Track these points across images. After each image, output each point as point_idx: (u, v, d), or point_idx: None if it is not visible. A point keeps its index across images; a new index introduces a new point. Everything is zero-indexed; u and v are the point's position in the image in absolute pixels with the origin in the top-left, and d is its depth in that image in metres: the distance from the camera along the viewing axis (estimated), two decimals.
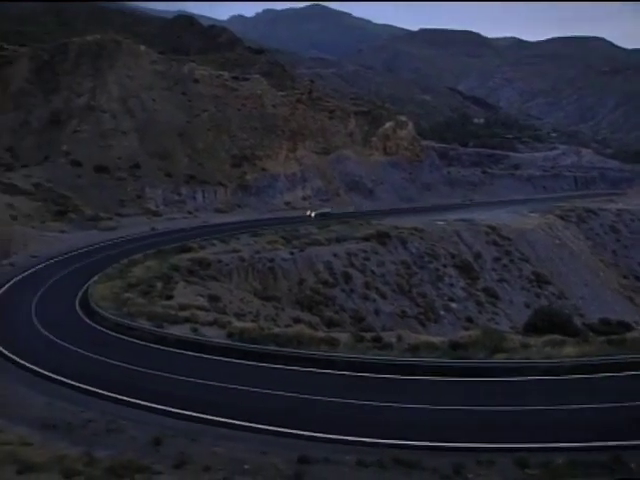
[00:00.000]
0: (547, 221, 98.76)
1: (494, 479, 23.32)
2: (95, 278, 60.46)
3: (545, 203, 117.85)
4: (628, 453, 24.67)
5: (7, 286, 60.77)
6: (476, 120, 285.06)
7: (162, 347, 40.27)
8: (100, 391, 32.96)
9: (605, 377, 33.47)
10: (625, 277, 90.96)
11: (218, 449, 26.27)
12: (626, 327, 46.83)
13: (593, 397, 30.62)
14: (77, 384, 34.14)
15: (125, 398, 31.84)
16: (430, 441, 26.65)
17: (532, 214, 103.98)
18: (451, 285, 75.03)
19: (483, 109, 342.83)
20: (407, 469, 24.41)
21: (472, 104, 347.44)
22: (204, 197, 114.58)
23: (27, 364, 37.95)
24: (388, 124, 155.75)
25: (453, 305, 71.41)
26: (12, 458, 22.12)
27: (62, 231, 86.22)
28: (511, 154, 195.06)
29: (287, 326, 46.19)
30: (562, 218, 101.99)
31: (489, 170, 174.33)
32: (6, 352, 40.45)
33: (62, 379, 35.00)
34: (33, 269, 68.11)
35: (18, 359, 38.99)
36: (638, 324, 52.96)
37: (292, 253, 68.90)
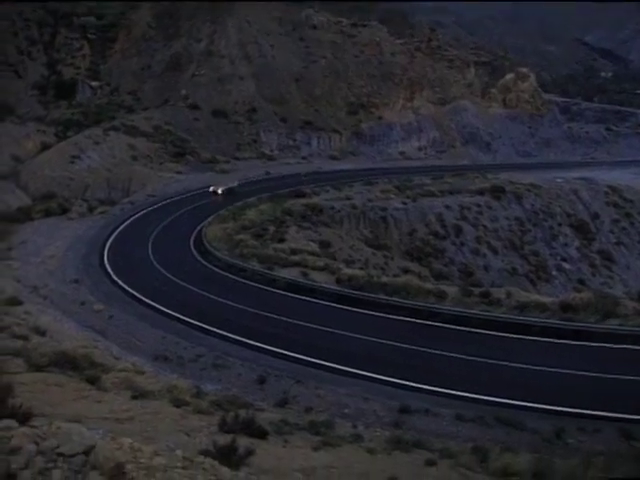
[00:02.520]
0: None
1: (596, 447, 22.79)
2: (209, 219, 61.89)
3: None
4: None
5: (126, 223, 63.24)
6: (603, 74, 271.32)
7: (272, 289, 41.04)
8: (210, 328, 34.09)
9: None
10: None
11: (321, 392, 26.77)
12: None
13: None
14: (190, 320, 35.44)
15: (234, 336, 32.80)
16: (533, 402, 26.29)
17: None
18: (565, 245, 72.80)
19: (611, 62, 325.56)
20: (507, 428, 24.18)
21: (599, 56, 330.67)
22: (318, 143, 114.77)
23: (145, 299, 39.61)
24: (509, 76, 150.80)
25: (566, 265, 69.34)
26: (127, 384, 23.21)
27: (179, 172, 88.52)
28: (639, 111, 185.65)
29: (395, 276, 46.08)
30: None
31: (614, 128, 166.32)
32: (126, 287, 42.35)
33: (176, 315, 36.40)
34: (151, 208, 70.52)
35: (137, 294, 40.76)
36: None
37: (404, 203, 68.27)
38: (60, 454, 5.98)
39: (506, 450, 20.44)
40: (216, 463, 6.72)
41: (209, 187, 76.62)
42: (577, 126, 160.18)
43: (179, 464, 6.31)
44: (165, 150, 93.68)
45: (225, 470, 6.55)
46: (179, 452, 6.71)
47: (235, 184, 73.93)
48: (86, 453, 6.06)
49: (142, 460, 6.15)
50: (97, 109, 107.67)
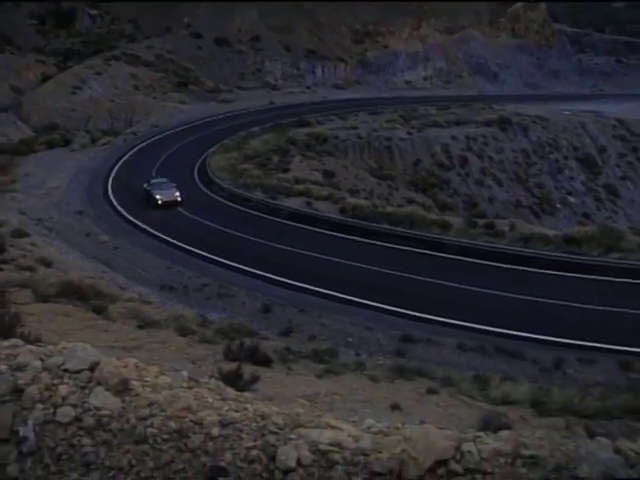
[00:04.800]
0: None
1: (593, 377, 23.06)
2: (213, 149, 61.56)
3: None
4: None
5: (130, 154, 62.88)
6: (615, 4, 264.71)
7: (275, 218, 41.03)
8: (215, 257, 34.22)
9: None
10: None
11: (325, 320, 27.00)
12: None
13: None
14: (194, 250, 35.54)
15: (238, 266, 32.93)
16: (534, 333, 26.51)
17: None
18: (571, 178, 72.24)
19: None
20: (508, 357, 24.46)
21: None
22: (323, 72, 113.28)
23: (150, 229, 39.67)
24: (518, 4, 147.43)
25: (571, 199, 68.92)
26: (134, 314, 23.41)
27: (182, 102, 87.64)
28: None
29: (400, 206, 46.01)
30: None
31: (624, 60, 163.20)
32: (131, 218, 42.37)
33: (181, 245, 36.48)
34: (154, 138, 69.96)
35: (141, 224, 40.81)
36: None
37: (410, 133, 67.48)
38: (66, 370, 5.99)
39: (506, 379, 20.67)
40: (221, 383, 6.72)
41: (211, 116, 76.34)
42: (587, 58, 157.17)
43: (184, 384, 6.32)
44: (168, 80, 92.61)
45: (230, 390, 6.56)
46: (185, 373, 6.71)
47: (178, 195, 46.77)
48: (91, 369, 6.08)
49: (147, 378, 6.17)
50: (97, 38, 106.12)
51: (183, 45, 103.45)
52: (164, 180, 47.30)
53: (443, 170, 63.74)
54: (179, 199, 44.93)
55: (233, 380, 14.09)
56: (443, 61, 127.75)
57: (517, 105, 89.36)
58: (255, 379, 15.67)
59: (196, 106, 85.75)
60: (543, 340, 25.98)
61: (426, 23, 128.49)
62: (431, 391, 18.82)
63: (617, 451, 5.61)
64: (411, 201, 51.57)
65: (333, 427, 5.91)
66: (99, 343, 16.53)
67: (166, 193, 44.89)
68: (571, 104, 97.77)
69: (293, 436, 5.75)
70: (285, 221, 40.37)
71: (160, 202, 44.33)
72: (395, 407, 16.32)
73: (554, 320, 27.66)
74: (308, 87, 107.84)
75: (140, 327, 21.82)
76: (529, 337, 26.22)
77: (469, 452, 5.68)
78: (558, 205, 66.91)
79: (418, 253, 35.25)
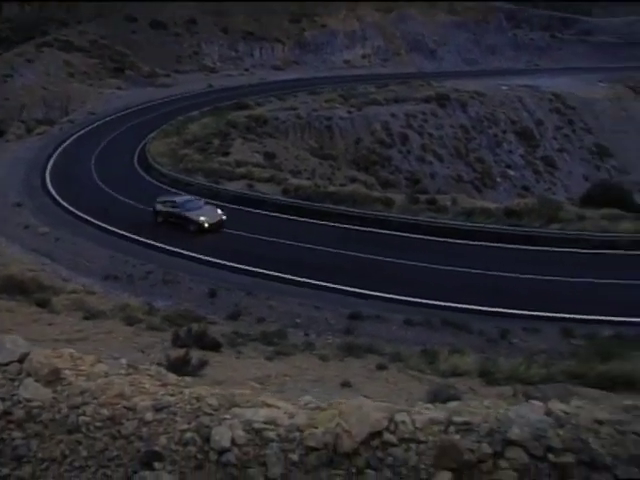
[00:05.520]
0: (616, 91, 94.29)
1: (538, 346, 23.55)
2: (152, 135, 60.72)
3: (616, 72, 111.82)
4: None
5: (67, 143, 61.64)
6: None
7: (218, 202, 40.67)
8: (159, 245, 33.80)
9: None
10: None
11: (272, 302, 26.92)
12: None
13: None
14: (138, 238, 35.02)
15: (183, 252, 32.62)
16: (479, 305, 26.89)
17: (601, 83, 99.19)
18: (509, 152, 73.35)
19: None
20: (455, 330, 24.78)
21: None
22: (261, 54, 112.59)
23: (91, 219, 38.93)
24: None
25: (510, 172, 69.96)
26: (78, 305, 23.06)
27: (119, 88, 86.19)
28: (584, 18, 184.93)
29: (342, 185, 46.07)
30: (633, 89, 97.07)
31: (559, 35, 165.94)
32: (71, 208, 41.52)
33: (124, 233, 35.90)
34: (91, 126, 68.68)
35: (82, 214, 40.02)
36: None
37: (349, 112, 67.52)
38: None
39: (454, 352, 20.92)
40: (162, 369, 6.61)
41: (149, 102, 75.20)
42: (522, 33, 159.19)
43: (122, 371, 6.17)
44: (103, 66, 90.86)
45: (171, 376, 6.44)
46: (124, 360, 6.55)
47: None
48: (20, 361, 5.91)
49: (82, 367, 6.02)
50: (27, 24, 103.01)
51: (117, 30, 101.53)
52: (189, 198, 38.38)
53: (384, 148, 63.99)
54: (224, 217, 36.58)
55: (181, 366, 13.99)
56: (381, 39, 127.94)
57: (455, 81, 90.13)
58: (203, 364, 15.59)
59: (133, 92, 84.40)
60: (488, 312, 26.38)
61: (363, 2, 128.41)
62: (381, 367, 18.97)
63: (548, 413, 5.73)
64: (353, 180, 51.65)
65: (269, 405, 5.89)
66: (44, 337, 16.23)
67: (209, 214, 36.49)
68: (508, 79, 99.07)
69: (227, 416, 5.71)
70: (228, 205, 40.02)
71: (207, 225, 35.73)
72: (345, 384, 16.40)
73: (499, 291, 28.11)
74: (246, 69, 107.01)
75: (85, 318, 21.55)
76: (474, 309, 26.58)
77: (402, 422, 5.76)
78: (498, 179, 67.88)
79: (362, 231, 35.37)
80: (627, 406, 5.93)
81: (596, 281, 29.34)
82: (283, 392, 13.02)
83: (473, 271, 30.14)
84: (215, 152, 52.30)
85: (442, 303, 26.99)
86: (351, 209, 37.31)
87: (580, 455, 5.41)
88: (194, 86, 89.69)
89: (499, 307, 26.81)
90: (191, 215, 36.19)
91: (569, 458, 5.43)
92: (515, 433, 5.62)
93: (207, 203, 38.23)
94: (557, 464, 5.47)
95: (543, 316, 26.06)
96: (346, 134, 63.94)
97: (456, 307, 26.76)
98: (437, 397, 12.42)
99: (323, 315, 25.95)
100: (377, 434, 5.75)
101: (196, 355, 16.11)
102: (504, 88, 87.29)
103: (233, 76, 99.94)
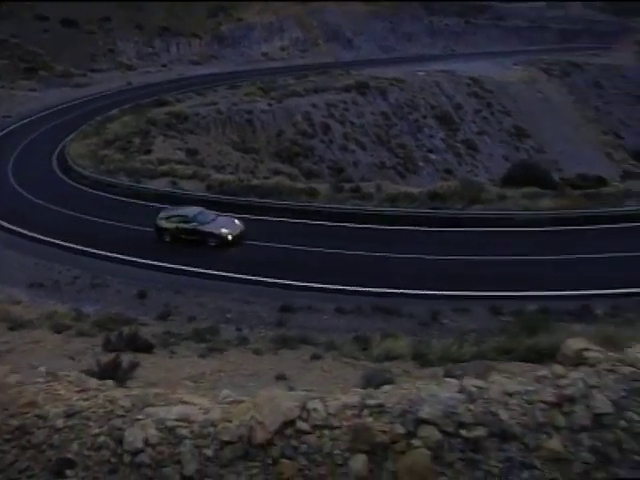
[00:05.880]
0: (530, 74, 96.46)
1: (468, 325, 24.10)
2: (71, 136, 59.49)
3: (529, 55, 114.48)
4: (595, 301, 25.51)
5: None
6: None
7: (141, 202, 40.15)
8: (84, 248, 33.17)
9: (582, 230, 34.14)
10: (605, 133, 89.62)
11: (202, 300, 26.80)
12: (603, 182, 47.05)
13: (568, 249, 31.29)
14: (62, 243, 34.26)
15: (110, 254, 32.10)
16: (408, 289, 27.31)
17: (515, 66, 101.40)
18: (430, 136, 74.26)
19: None
20: (386, 315, 25.14)
21: None
22: (178, 49, 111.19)
23: (10, 226, 37.87)
24: None
25: (432, 156, 70.84)
26: (3, 315, 22.47)
27: (33, 89, 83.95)
28: (496, 3, 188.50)
29: (266, 178, 45.97)
30: (546, 71, 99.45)
31: (473, 20, 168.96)
32: None
33: (47, 239, 35.04)
34: (6, 129, 66.79)
35: (2, 222, 38.87)
36: (615, 179, 53.08)
37: (270, 104, 67.32)
38: None
39: (386, 336, 21.21)
40: (82, 375, 6.50)
41: (66, 102, 73.48)
42: (437, 20, 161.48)
43: (40, 380, 6.04)
44: (14, 66, 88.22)
45: (93, 381, 6.35)
46: (42, 368, 6.42)
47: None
48: None
49: None
50: None
51: (28, 28, 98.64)
52: (199, 209, 35.20)
53: (306, 138, 64.06)
54: (244, 228, 34.11)
55: (111, 371, 13.80)
56: (299, 31, 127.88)
57: (374, 69, 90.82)
58: (134, 367, 15.43)
59: (48, 93, 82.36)
60: (418, 294, 26.85)
61: None
62: (315, 357, 19.13)
63: (462, 390, 5.89)
64: (277, 172, 51.54)
65: (185, 403, 5.87)
66: None
67: (228, 225, 33.82)
68: (425, 65, 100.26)
69: (140, 416, 5.68)
70: (153, 204, 39.51)
71: (230, 238, 33.08)
72: (280, 377, 16.48)
73: (427, 274, 28.60)
74: (164, 65, 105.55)
75: (11, 329, 21.07)
76: (404, 293, 27.02)
77: (315, 409, 5.84)
78: (421, 163, 68.69)
79: (289, 222, 35.44)
80: (538, 377, 6.15)
81: (519, 258, 30.18)
82: (216, 389, 12.97)
83: (400, 256, 30.58)
84: (136, 151, 51.52)
85: (371, 289, 27.35)
86: (276, 202, 37.40)
87: (491, 428, 5.61)
88: (111, 84, 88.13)
89: (428, 290, 27.31)
90: (210, 229, 33.32)
91: (480, 432, 5.62)
92: (427, 412, 5.78)
93: (222, 215, 35.11)
94: (469, 438, 5.65)
95: (472, 295, 26.68)
96: (268, 127, 63.74)
97: (386, 292, 27.16)
98: (370, 382, 12.55)
99: (254, 309, 25.97)
100: (290, 423, 5.81)
101: (128, 358, 15.92)
102: (422, 74, 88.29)
103: (151, 73, 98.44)
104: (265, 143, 61.83)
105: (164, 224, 33.98)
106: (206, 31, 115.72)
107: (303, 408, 5.83)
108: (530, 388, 5.94)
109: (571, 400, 5.66)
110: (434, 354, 18.74)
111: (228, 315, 25.56)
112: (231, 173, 47.89)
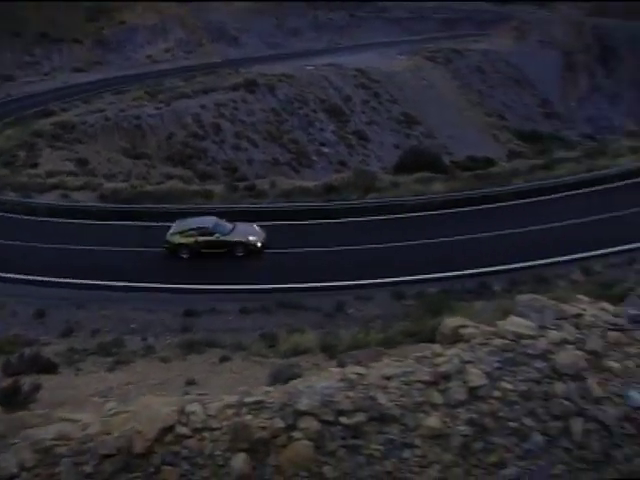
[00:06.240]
0: (415, 63, 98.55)
1: (373, 312, 24.67)
2: None
3: (413, 45, 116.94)
4: (493, 278, 26.60)
5: None
6: None
7: (34, 218, 39.00)
8: None
9: (472, 210, 35.44)
10: (489, 115, 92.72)
11: (105, 312, 26.39)
12: (491, 163, 48.93)
13: (462, 229, 32.45)
14: None
15: (2, 274, 31.03)
16: (311, 282, 27.73)
17: (400, 56, 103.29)
18: (322, 130, 74.79)
19: None
20: (291, 310, 25.44)
21: None
22: (60, 56, 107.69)
23: None
24: None
25: (325, 149, 71.43)
26: None
27: None
28: None
29: (160, 183, 45.36)
30: (429, 59, 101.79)
31: (356, 13, 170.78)
32: None
33: None
34: None
35: None
36: (501, 159, 55.19)
37: (158, 108, 66.21)
38: None
39: (293, 331, 21.48)
40: None
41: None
42: (321, 14, 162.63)
43: None
44: None
45: None
46: None
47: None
48: None
49: None
50: None
51: None
52: (214, 219, 33.36)
53: (197, 140, 63.55)
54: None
55: (11, 396, 13.48)
56: (182, 32, 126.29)
57: (261, 66, 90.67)
58: (36, 389, 15.06)
59: None
60: (321, 287, 27.32)
61: None
62: (224, 359, 19.20)
63: (343, 378, 6.15)
64: (170, 176, 50.81)
65: (65, 420, 5.84)
66: None
67: (252, 232, 32.58)
68: (312, 59, 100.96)
69: (17, 440, 5.59)
70: (46, 218, 38.44)
71: (259, 245, 31.90)
72: (190, 383, 16.51)
73: (328, 266, 29.09)
74: (46, 73, 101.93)
75: None
76: (308, 287, 27.46)
77: (193, 413, 5.92)
78: (314, 157, 69.19)
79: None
80: (418, 357, 6.48)
81: (414, 243, 31.08)
82: (126, 402, 12.88)
83: (298, 250, 31.00)
84: (22, 165, 49.82)
85: (277, 285, 27.69)
86: (172, 206, 37.07)
87: (370, 412, 5.79)
88: None
89: (331, 281, 27.81)
90: (238, 238, 32.05)
91: (360, 417, 5.81)
92: (305, 404, 5.93)
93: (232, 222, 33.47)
94: (349, 425, 5.81)
95: (374, 283, 27.38)
96: (157, 131, 62.79)
97: (290, 287, 27.53)
98: (277, 378, 12.70)
99: (158, 317, 25.79)
100: (169, 429, 5.83)
101: (30, 380, 15.55)
102: (310, 68, 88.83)
103: (34, 82, 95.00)
104: (156, 148, 60.92)
105: (179, 240, 32.07)
106: (87, 35, 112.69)
107: (182, 412, 5.88)
108: (408, 369, 6.22)
109: (446, 377, 5.98)
110: (342, 344, 19.09)
111: (132, 326, 25.30)
112: (123, 181, 47.02)
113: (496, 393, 5.74)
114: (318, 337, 20.61)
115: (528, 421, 5.58)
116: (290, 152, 68.00)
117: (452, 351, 6.35)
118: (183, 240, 31.89)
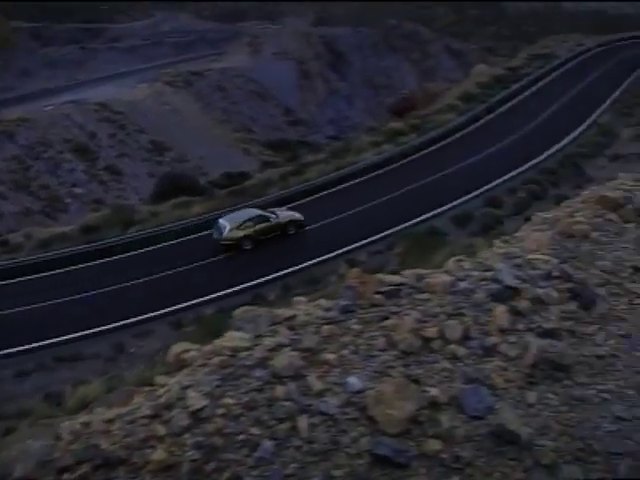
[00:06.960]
0: (155, 89, 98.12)
1: (154, 345, 24.35)
2: None
3: (151, 72, 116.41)
4: (266, 289, 27.28)
5: None
6: None
7: None
8: None
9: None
10: (237, 131, 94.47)
11: None
12: (245, 176, 50.21)
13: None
14: None
15: None
16: (84, 330, 26.84)
17: (140, 85, 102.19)
18: (71, 170, 72.22)
19: None
20: (70, 363, 24.49)
21: None
22: None
23: None
24: None
25: (77, 190, 69.10)
26: None
27: None
28: (109, 26, 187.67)
29: None
30: (170, 84, 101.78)
31: (88, 46, 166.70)
32: None
33: None
34: None
35: None
36: (255, 171, 56.63)
37: None
38: None
39: (77, 384, 20.71)
40: None
41: None
42: (53, 50, 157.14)
43: None
44: None
45: None
46: None
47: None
48: None
49: None
50: None
51: None
52: (256, 210, 37.20)
53: None
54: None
55: None
56: None
57: None
58: None
59: None
60: (95, 333, 26.53)
61: None
62: (9, 431, 18.03)
63: (65, 433, 5.97)
64: None
65: None
66: None
67: (292, 213, 37.70)
68: (50, 99, 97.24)
69: None
70: None
71: (303, 219, 37.11)
72: None
73: (99, 310, 28.32)
74: None
75: None
76: (83, 335, 26.57)
77: None
78: (67, 200, 66.85)
79: None
80: (146, 392, 6.45)
81: (186, 268, 31.16)
82: None
83: (61, 300, 29.96)
84: None
85: (49, 341, 26.56)
86: None
87: (94, 461, 5.68)
88: None
89: (104, 325, 27.10)
90: (288, 217, 36.54)
91: (85, 468, 5.67)
92: (20, 471, 5.69)
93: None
94: (74, 479, 5.65)
95: (150, 317, 27.04)
96: None
97: (64, 340, 26.47)
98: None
99: None
100: None
101: None
102: (49, 108, 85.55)
103: None
104: None
105: (239, 233, 34.85)
106: None
107: None
108: (134, 407, 6.19)
109: (168, 407, 6.01)
110: (130, 384, 18.66)
111: None
112: None
113: (220, 411, 5.84)
114: (103, 384, 20.03)
115: (255, 430, 5.76)
116: (41, 199, 65.12)
117: (174, 379, 6.40)
118: (244, 233, 34.90)
